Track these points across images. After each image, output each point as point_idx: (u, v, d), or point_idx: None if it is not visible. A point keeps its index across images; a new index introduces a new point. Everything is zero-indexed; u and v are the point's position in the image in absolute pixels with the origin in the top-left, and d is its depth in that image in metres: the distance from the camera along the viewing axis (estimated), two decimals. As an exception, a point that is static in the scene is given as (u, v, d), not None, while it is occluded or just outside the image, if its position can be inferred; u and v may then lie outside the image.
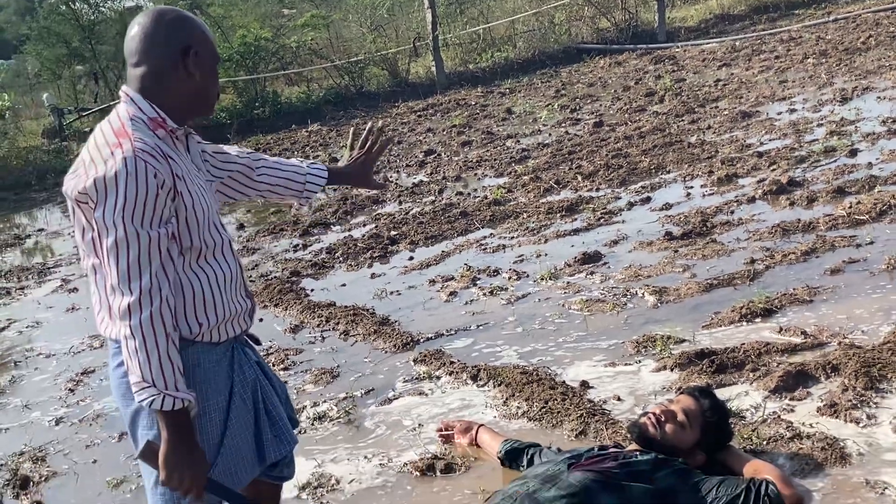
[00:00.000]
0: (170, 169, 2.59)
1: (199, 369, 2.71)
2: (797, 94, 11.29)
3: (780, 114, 10.40)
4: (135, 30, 2.71)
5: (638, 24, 20.03)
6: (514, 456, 4.03)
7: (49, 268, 9.86)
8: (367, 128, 3.44)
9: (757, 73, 13.50)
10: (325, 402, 5.14)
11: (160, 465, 2.61)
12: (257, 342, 3.02)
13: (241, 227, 10.08)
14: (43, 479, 4.82)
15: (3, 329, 7.83)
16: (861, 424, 3.87)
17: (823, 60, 13.26)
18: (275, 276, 7.78)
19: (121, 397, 2.76)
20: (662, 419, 3.69)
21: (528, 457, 3.97)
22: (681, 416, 3.69)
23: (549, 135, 11.97)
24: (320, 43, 20.16)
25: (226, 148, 3.16)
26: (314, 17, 20.01)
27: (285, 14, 23.93)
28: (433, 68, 18.80)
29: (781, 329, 4.91)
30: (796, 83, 12.03)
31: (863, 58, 12.83)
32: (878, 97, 10.17)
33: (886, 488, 3.41)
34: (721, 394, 4.25)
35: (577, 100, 14.30)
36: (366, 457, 4.42)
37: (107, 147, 2.57)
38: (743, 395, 4.32)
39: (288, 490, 4.15)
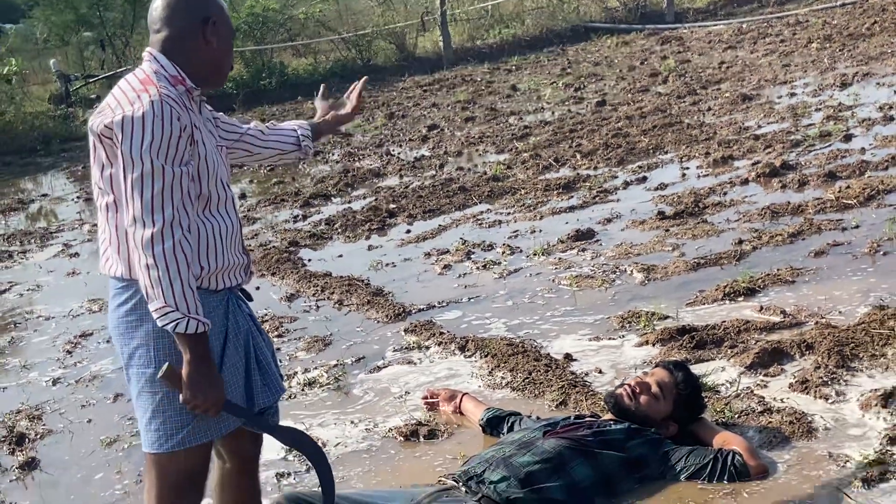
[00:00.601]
0: (189, 117, 2.77)
1: None
2: (799, 79, 11.36)
3: (780, 97, 10.49)
4: (159, 4, 2.89)
5: (647, 4, 20.05)
6: (495, 423, 4.17)
7: (51, 232, 10.00)
8: (355, 87, 3.60)
9: (761, 56, 13.56)
10: (315, 368, 5.27)
11: (184, 385, 2.74)
12: (250, 298, 3.14)
13: (242, 196, 10.20)
14: (38, 436, 4.97)
15: (5, 291, 7.98)
16: (830, 401, 4.00)
17: (827, 45, 13.31)
18: (273, 246, 7.91)
19: (119, 336, 2.88)
20: (637, 391, 3.83)
21: (509, 424, 4.10)
22: (655, 388, 3.83)
23: (552, 113, 12.06)
24: (328, 15, 20.21)
25: (233, 119, 3.34)
26: (323, -12, 20.11)
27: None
28: (440, 43, 18.86)
29: (762, 308, 5.04)
30: (799, 67, 12.10)
31: (866, 44, 12.87)
32: (878, 83, 10.25)
33: (848, 461, 3.54)
34: (698, 369, 4.39)
35: (582, 78, 14.37)
36: (352, 422, 4.56)
37: (133, 92, 2.74)
38: (719, 371, 4.45)
39: (274, 452, 4.31)
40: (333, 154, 11.75)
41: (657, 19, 19.36)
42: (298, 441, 3.19)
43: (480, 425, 4.22)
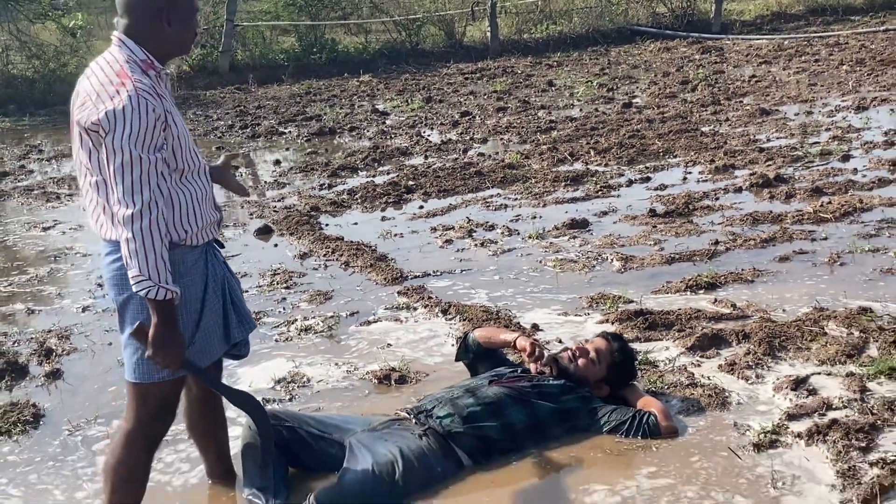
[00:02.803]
0: (162, 105, 3.19)
1: (182, 266, 3.36)
2: (820, 98, 11.78)
3: (796, 115, 10.93)
4: None
5: (694, 13, 20.39)
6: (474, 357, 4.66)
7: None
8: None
9: (792, 73, 13.97)
10: (314, 318, 5.88)
11: (149, 344, 3.26)
12: (222, 246, 3.68)
13: (276, 162, 10.84)
14: (65, 352, 5.64)
15: (49, 228, 8.67)
16: (749, 381, 4.56)
17: (857, 69, 13.68)
18: (297, 209, 8.54)
19: (113, 287, 3.40)
20: (577, 354, 4.41)
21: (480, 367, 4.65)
22: (592, 354, 4.41)
23: (580, 110, 12.58)
24: (383, -2, 20.81)
25: None
26: (379, -29, 20.71)
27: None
28: (488, 34, 19.35)
29: (716, 300, 5.59)
30: (824, 87, 12.51)
31: (895, 70, 13.24)
32: (892, 109, 10.65)
33: (748, 430, 4.10)
34: (645, 346, 4.98)
35: (617, 80, 14.86)
36: (336, 364, 5.17)
37: (111, 85, 3.13)
38: (663, 350, 5.01)
39: (264, 381, 4.98)
40: (368, 131, 12.35)
41: (703, 28, 19.71)
42: (245, 402, 3.67)
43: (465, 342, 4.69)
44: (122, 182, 3.10)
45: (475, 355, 4.65)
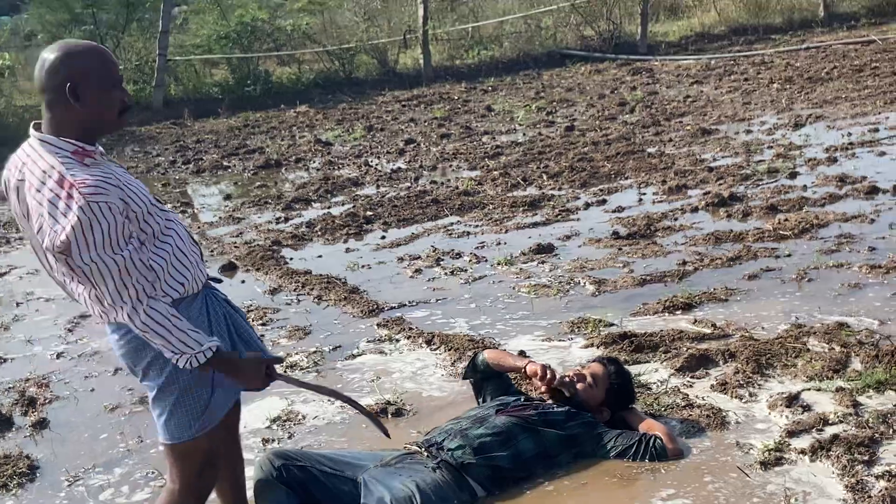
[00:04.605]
0: (117, 193, 3.05)
1: (188, 322, 3.27)
2: (757, 117, 12.10)
3: (737, 133, 11.21)
4: (37, 77, 3.14)
5: (621, 35, 20.78)
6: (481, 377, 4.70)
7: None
8: None
9: (724, 92, 14.31)
10: (297, 353, 5.87)
11: (240, 382, 3.34)
12: (218, 281, 3.63)
13: (227, 197, 10.77)
14: (47, 401, 5.54)
15: (4, 274, 8.51)
16: (743, 400, 4.66)
17: (787, 86, 14.08)
18: (258, 244, 8.50)
19: (130, 358, 3.32)
20: (575, 380, 4.47)
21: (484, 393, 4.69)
22: (590, 379, 4.48)
23: (524, 134, 12.73)
24: (314, 28, 20.81)
25: None
26: (311, 3, 20.72)
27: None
28: (421, 61, 19.50)
29: (696, 321, 5.71)
30: (758, 106, 12.85)
31: (823, 87, 13.65)
32: (829, 126, 10.99)
33: (751, 448, 4.19)
34: (635, 369, 5.05)
35: (555, 103, 15.07)
36: (329, 400, 5.14)
37: (60, 200, 2.99)
38: (653, 371, 5.10)
39: (260, 421, 4.93)
40: (314, 162, 12.34)
41: (630, 50, 20.09)
42: (333, 393, 3.91)
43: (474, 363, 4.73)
44: (105, 288, 3.05)
45: (482, 375, 4.68)
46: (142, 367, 3.33)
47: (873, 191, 8.01)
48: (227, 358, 3.26)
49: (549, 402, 4.45)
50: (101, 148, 3.21)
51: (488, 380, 4.67)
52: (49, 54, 3.12)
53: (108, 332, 3.34)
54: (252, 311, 6.70)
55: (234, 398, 3.55)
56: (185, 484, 3.44)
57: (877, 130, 10.39)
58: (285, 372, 3.61)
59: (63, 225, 2.98)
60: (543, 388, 4.45)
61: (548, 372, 4.41)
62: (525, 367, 4.49)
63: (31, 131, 3.15)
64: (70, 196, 2.97)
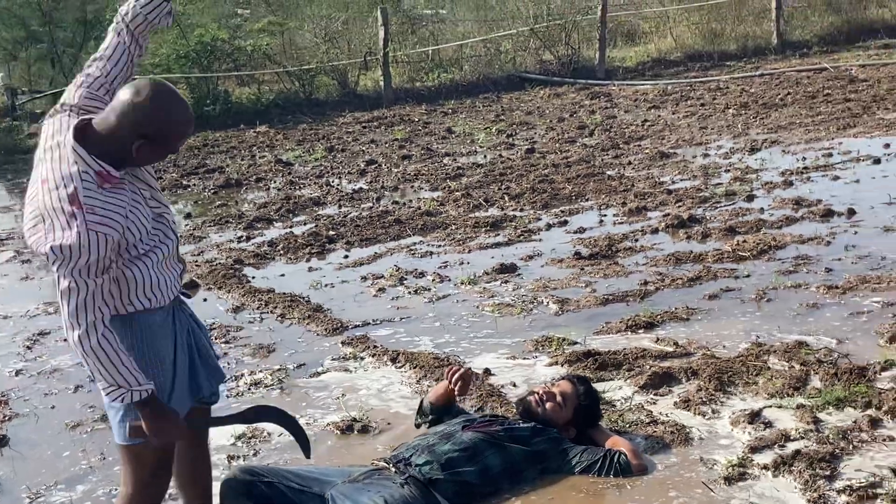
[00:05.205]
0: (119, 223, 3.09)
1: (150, 329, 3.34)
2: (713, 141, 12.27)
3: (694, 157, 11.36)
4: (122, 94, 3.13)
5: (579, 60, 20.96)
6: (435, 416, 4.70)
7: (1, 240, 10.40)
8: None
9: (682, 117, 14.49)
10: (261, 371, 5.86)
11: (150, 436, 3.26)
12: (188, 296, 3.65)
13: (187, 216, 10.72)
14: (7, 418, 5.47)
15: (-40, 292, 8.40)
16: (706, 417, 4.73)
17: (743, 112, 14.28)
18: (219, 263, 8.46)
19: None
20: (544, 398, 4.51)
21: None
22: (559, 398, 4.52)
23: (484, 156, 12.80)
24: (274, 48, 20.80)
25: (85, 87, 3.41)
26: (271, 23, 20.70)
27: (239, 14, 24.52)
28: (381, 82, 19.53)
29: (658, 339, 5.78)
30: (715, 130, 13.03)
31: (778, 113, 13.87)
32: (784, 150, 11.17)
33: (715, 464, 4.26)
34: (599, 386, 5.09)
35: (514, 126, 15.17)
36: (294, 417, 5.14)
37: (63, 214, 3.01)
38: (617, 389, 5.16)
39: (225, 438, 4.91)
40: (275, 182, 12.32)
41: (588, 74, 20.27)
42: (259, 413, 3.81)
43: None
44: (66, 305, 3.08)
45: (434, 416, 4.67)
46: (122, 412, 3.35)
47: (828, 213, 8.16)
48: (156, 408, 3.26)
49: (516, 418, 4.48)
50: (123, 172, 3.19)
51: (440, 418, 4.64)
52: (152, 91, 3.10)
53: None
54: (215, 328, 6.67)
55: (190, 404, 3.55)
56: (137, 487, 3.46)
57: (830, 155, 10.58)
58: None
59: (55, 237, 3.00)
60: (455, 388, 4.53)
61: (454, 372, 4.53)
62: (449, 380, 4.53)
63: (73, 133, 3.11)
64: (74, 217, 3.00)
